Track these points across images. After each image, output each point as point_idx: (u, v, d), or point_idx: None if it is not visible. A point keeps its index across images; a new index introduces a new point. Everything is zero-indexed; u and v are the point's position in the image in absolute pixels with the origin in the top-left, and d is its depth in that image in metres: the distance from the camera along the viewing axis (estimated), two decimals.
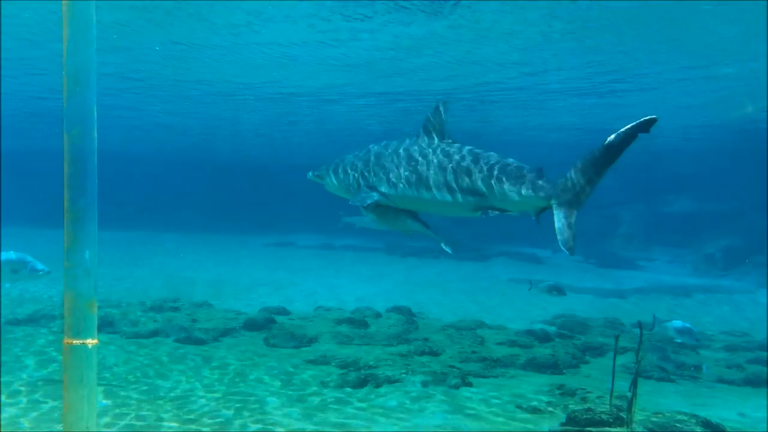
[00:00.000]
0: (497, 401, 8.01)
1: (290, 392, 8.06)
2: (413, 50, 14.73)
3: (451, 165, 6.33)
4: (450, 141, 6.61)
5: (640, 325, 6.81)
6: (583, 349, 11.01)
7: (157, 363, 9.20)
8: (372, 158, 6.86)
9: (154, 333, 10.80)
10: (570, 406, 7.64)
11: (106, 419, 6.83)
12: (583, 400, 7.95)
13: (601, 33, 13.17)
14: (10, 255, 8.78)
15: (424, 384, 8.56)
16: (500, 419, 7.38)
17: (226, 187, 41.24)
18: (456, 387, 8.52)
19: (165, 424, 6.80)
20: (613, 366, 6.74)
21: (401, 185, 6.55)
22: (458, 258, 26.32)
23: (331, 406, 7.60)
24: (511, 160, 6.33)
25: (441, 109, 6.76)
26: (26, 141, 37.48)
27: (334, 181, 7.37)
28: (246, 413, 7.22)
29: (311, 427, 6.88)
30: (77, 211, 2.98)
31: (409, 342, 10.76)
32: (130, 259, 21.77)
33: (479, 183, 6.21)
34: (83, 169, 2.98)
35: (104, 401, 7.37)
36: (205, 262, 22.53)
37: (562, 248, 5.76)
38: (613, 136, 5.52)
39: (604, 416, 6.63)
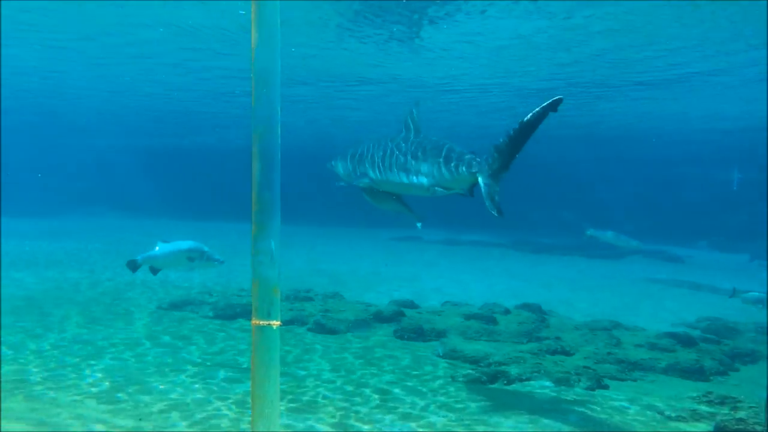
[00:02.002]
0: (636, 406, 7.63)
1: (415, 384, 8.12)
2: None
3: (410, 153, 7.53)
4: (420, 134, 7.76)
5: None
6: (732, 355, 10.22)
7: (294, 351, 9.60)
8: (365, 150, 8.09)
9: (290, 322, 11.31)
10: (718, 416, 7.12)
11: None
12: (734, 410, 7.38)
13: None
14: (187, 244, 9.52)
15: (557, 383, 8.33)
16: (639, 425, 7.03)
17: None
18: (591, 389, 8.22)
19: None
20: None
21: (379, 171, 7.84)
22: (590, 256, 25.38)
23: (463, 402, 7.57)
24: (457, 147, 7.28)
25: (414, 110, 8.05)
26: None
27: (341, 170, 8.55)
28: (390, 404, 7.36)
29: (438, 418, 6.90)
30: (263, 203, 3.20)
31: (539, 340, 10.52)
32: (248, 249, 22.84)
33: (426, 167, 7.36)
34: (269, 165, 3.20)
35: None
36: (334, 255, 23.24)
37: (491, 211, 6.75)
38: (527, 116, 6.25)
39: (758, 428, 6.13)
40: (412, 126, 7.91)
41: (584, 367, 9.03)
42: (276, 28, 3.14)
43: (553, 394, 7.98)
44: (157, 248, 9.50)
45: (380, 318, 11.61)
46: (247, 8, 12.47)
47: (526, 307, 13.21)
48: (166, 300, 12.91)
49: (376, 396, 7.62)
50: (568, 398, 7.83)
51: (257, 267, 3.26)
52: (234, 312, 11.77)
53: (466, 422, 6.86)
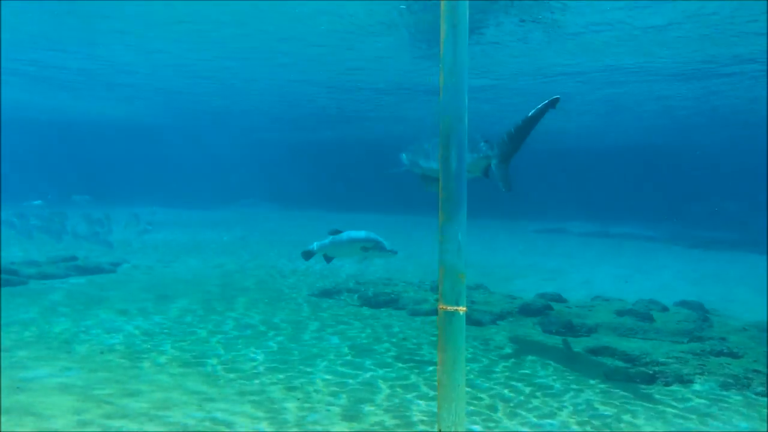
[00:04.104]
0: None
1: (570, 381, 7.87)
2: None
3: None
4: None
5: None
6: None
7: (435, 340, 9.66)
8: (421, 144, 9.20)
9: (434, 312, 11.40)
10: None
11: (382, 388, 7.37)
12: None
13: None
14: (360, 234, 9.97)
15: (723, 387, 7.72)
16: None
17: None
18: (763, 395, 7.52)
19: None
20: None
21: (424, 160, 8.94)
22: (760, 252, 23.21)
23: (617, 401, 7.24)
24: (475, 135, 8.08)
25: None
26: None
27: (405, 161, 9.54)
28: (536, 401, 7.23)
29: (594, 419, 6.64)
30: (450, 191, 3.30)
31: (702, 340, 9.78)
32: (401, 240, 23.23)
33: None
34: (456, 154, 3.29)
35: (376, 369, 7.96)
36: (477, 247, 23.08)
37: (502, 189, 8.07)
38: (531, 112, 7.64)
39: None
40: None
41: (755, 371, 8.28)
42: (464, 18, 3.19)
43: (718, 397, 7.39)
44: (331, 238, 9.95)
45: (526, 311, 11.38)
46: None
47: (685, 304, 12.37)
48: (317, 288, 13.50)
49: (527, 389, 7.48)
50: (736, 403, 7.21)
51: (444, 254, 3.37)
52: (379, 300, 12.04)
53: (622, 424, 6.54)
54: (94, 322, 9.85)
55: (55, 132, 42.89)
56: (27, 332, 9.08)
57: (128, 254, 17.76)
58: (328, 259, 10.24)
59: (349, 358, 8.51)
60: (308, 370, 7.86)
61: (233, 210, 39.78)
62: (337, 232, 10.05)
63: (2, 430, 5.49)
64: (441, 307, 3.38)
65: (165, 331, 9.52)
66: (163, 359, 8.04)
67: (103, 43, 18.71)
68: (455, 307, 3.34)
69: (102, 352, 8.22)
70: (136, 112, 36.28)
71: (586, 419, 6.60)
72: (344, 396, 6.96)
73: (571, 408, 6.91)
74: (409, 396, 7.06)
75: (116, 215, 23.06)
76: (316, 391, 7.09)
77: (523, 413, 6.69)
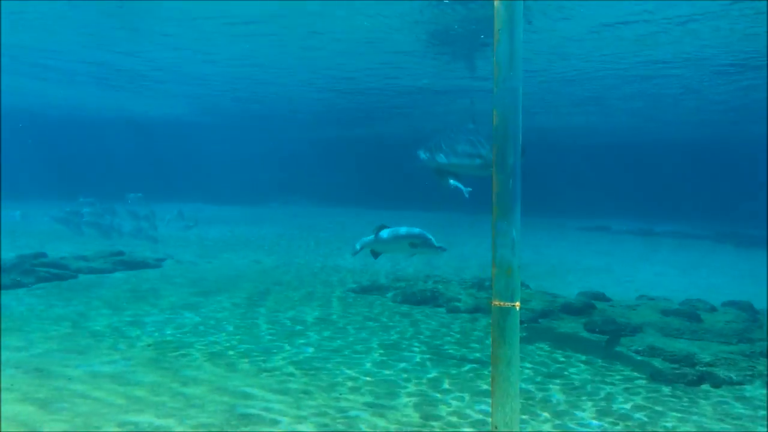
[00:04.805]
0: None
1: (615, 381, 7.73)
2: None
3: (462, 141, 9.26)
4: (475, 126, 9.31)
5: None
6: None
7: (475, 337, 9.62)
8: (437, 140, 9.58)
9: (475, 309, 11.34)
10: None
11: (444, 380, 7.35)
12: None
13: None
14: (410, 230, 9.94)
15: None
16: None
17: (535, 170, 41.26)
18: None
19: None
20: None
21: (443, 155, 9.35)
22: None
23: (663, 402, 7.09)
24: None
25: (471, 105, 9.90)
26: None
27: (423, 156, 9.78)
28: (589, 403, 7.13)
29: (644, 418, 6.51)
30: (503, 185, 3.29)
31: (752, 342, 9.50)
32: (439, 237, 23.10)
33: (471, 149, 9.13)
34: (510, 148, 3.28)
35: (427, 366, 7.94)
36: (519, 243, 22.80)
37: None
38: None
39: None
40: (470, 119, 9.56)
41: None
42: (519, 12, 3.16)
43: None
44: (379, 234, 9.93)
45: (569, 310, 11.21)
46: None
47: (733, 304, 12.03)
48: (357, 283, 13.55)
49: (571, 390, 7.38)
50: None
51: (497, 249, 3.35)
52: (418, 298, 12.02)
53: (669, 425, 6.40)
54: (139, 316, 10.08)
55: (107, 131, 44.04)
56: (75, 324, 9.34)
57: (172, 250, 18.11)
58: (376, 255, 10.20)
59: (385, 354, 8.52)
60: (349, 364, 7.90)
61: (274, 207, 40.22)
62: (384, 228, 9.99)
63: (56, 417, 5.66)
64: (495, 303, 3.36)
65: (208, 324, 9.68)
66: (205, 352, 8.18)
67: (150, 44, 19.14)
68: (510, 303, 3.31)
69: (149, 345, 8.41)
70: (181, 112, 37.03)
71: (631, 420, 6.48)
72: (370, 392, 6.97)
73: (615, 408, 6.79)
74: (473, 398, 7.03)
75: (161, 212, 23.53)
76: (351, 389, 7.12)
77: (568, 413, 6.60)
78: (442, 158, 9.41)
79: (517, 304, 3.38)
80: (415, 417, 6.26)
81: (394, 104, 30.47)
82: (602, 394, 7.26)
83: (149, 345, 8.42)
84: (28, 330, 8.92)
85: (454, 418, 6.28)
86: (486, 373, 7.89)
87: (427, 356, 8.51)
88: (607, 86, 23.50)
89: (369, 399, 6.72)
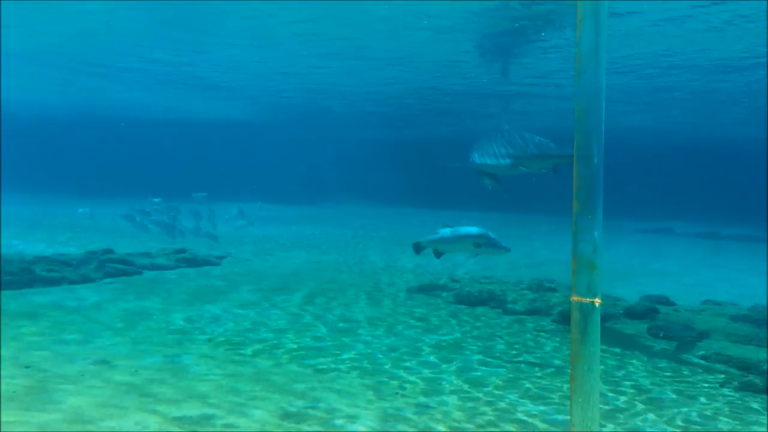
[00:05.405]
0: None
1: (681, 389, 7.49)
2: None
3: (495, 142, 9.51)
4: (508, 128, 9.55)
5: None
6: None
7: (533, 339, 9.47)
8: (481, 143, 9.77)
9: (533, 312, 11.18)
10: None
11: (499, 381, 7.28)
12: None
13: None
14: (475, 229, 9.90)
15: None
16: None
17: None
18: None
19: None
20: None
21: (477, 155, 9.63)
22: None
23: (733, 411, 6.83)
24: (537, 137, 9.12)
25: (504, 113, 11.90)
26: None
27: (476, 158, 9.96)
28: (645, 407, 6.95)
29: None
30: (584, 179, 3.24)
31: None
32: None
33: (502, 149, 9.33)
34: (591, 142, 3.22)
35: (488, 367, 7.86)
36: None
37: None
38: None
39: None
40: (504, 125, 9.83)
41: None
42: (604, 10, 3.09)
43: None
44: (442, 233, 9.88)
45: (631, 314, 10.93)
46: None
47: None
48: (413, 283, 13.55)
49: (634, 395, 7.18)
50: None
51: (579, 244, 3.28)
52: (472, 299, 11.90)
53: None
54: (201, 311, 10.34)
55: (172, 132, 45.48)
56: (139, 318, 9.65)
57: (232, 248, 18.51)
58: (438, 254, 10.12)
59: (438, 355, 8.49)
60: (403, 364, 7.91)
61: (328, 206, 40.60)
62: (447, 227, 9.92)
63: (121, 405, 5.85)
64: (574, 298, 3.27)
65: (266, 320, 9.85)
66: (266, 347, 8.32)
67: (210, 46, 19.62)
68: (590, 299, 3.23)
69: (210, 339, 8.61)
70: (242, 113, 37.86)
71: (701, 429, 6.26)
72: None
73: (682, 416, 6.57)
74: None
75: (221, 211, 24.09)
76: (403, 385, 7.12)
77: (632, 421, 6.43)
78: (477, 159, 9.69)
79: (598, 300, 3.29)
80: (458, 415, 6.21)
81: (448, 106, 30.38)
82: (667, 400, 7.04)
83: (209, 339, 8.62)
84: (94, 323, 9.26)
85: (491, 417, 6.20)
86: (537, 374, 7.78)
87: (482, 357, 8.43)
88: (668, 84, 22.79)
89: (421, 399, 6.70)
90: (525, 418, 6.31)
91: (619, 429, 6.15)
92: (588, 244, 3.20)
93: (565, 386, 7.36)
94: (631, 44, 16.97)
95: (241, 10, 15.14)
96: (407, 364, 7.97)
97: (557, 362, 8.38)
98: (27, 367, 6.89)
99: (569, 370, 3.35)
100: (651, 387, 7.49)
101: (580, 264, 3.22)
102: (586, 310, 3.21)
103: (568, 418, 3.38)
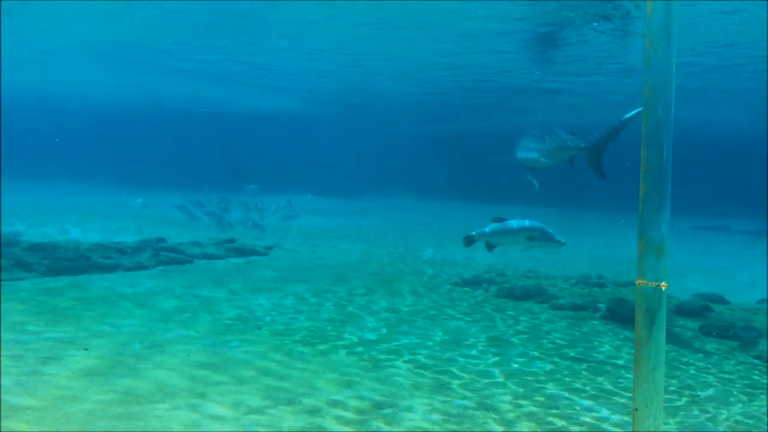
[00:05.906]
0: None
1: (735, 389, 7.30)
2: None
3: (528, 136, 9.70)
4: (543, 125, 9.66)
5: None
6: None
7: (583, 335, 9.36)
8: (522, 138, 9.96)
9: (581, 307, 11.01)
10: None
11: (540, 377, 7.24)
12: None
13: None
14: (528, 222, 9.72)
15: None
16: None
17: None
18: None
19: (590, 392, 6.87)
20: None
21: (522, 151, 9.76)
22: None
23: None
24: (563, 134, 9.22)
25: (540, 112, 11.10)
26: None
27: (520, 153, 10.11)
28: (699, 409, 6.81)
29: None
30: (651, 162, 3.19)
31: None
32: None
33: (533, 143, 9.50)
34: (660, 123, 3.17)
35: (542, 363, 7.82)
36: (625, 242, 21.93)
37: (597, 178, 8.91)
38: (627, 115, 8.33)
39: None
40: (539, 121, 10.02)
41: None
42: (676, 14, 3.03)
43: None
44: (494, 225, 9.66)
45: (682, 311, 10.69)
46: None
47: None
48: (460, 276, 13.52)
49: (688, 396, 7.04)
50: None
51: (645, 227, 3.21)
52: (519, 294, 11.79)
53: None
54: (250, 300, 10.55)
55: (225, 124, 46.44)
56: (190, 304, 9.92)
57: (279, 239, 18.80)
58: (491, 247, 9.90)
59: (492, 349, 8.47)
60: (449, 356, 7.93)
61: (373, 199, 40.72)
62: (500, 219, 9.71)
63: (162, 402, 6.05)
64: (639, 282, 3.18)
65: (314, 311, 9.99)
66: (313, 339, 8.46)
67: (265, 41, 19.92)
68: (655, 283, 3.14)
69: (259, 327, 8.80)
70: (291, 107, 38.35)
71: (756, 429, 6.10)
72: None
73: (738, 418, 6.41)
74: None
75: (268, 202, 24.46)
76: (460, 377, 7.14)
77: (687, 422, 6.31)
78: (516, 153, 9.90)
79: (664, 284, 3.20)
80: (508, 410, 6.20)
81: (497, 100, 30.12)
82: (721, 401, 6.87)
83: (258, 327, 8.81)
84: (147, 308, 9.56)
85: (530, 411, 6.16)
86: (582, 369, 7.70)
87: (528, 350, 8.37)
88: (726, 78, 22.03)
89: (470, 395, 6.71)
90: (571, 411, 6.25)
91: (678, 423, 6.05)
92: (656, 227, 3.10)
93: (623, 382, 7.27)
94: (691, 34, 16.49)
95: (295, 3, 15.31)
96: (457, 356, 7.97)
97: (617, 361, 8.27)
98: (85, 349, 7.18)
99: (632, 365, 3.29)
100: (701, 386, 7.31)
101: (647, 247, 3.11)
102: (651, 294, 3.11)
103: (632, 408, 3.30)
